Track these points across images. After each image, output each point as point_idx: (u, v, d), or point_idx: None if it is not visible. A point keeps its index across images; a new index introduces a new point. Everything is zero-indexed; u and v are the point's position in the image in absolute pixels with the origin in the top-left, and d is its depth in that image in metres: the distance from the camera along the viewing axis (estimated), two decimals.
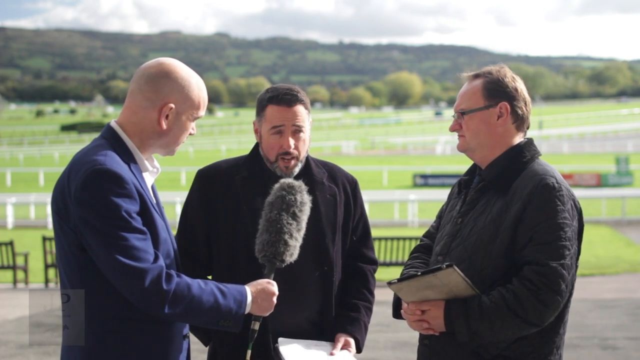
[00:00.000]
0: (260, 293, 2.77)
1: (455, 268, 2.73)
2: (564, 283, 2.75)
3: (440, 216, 3.25)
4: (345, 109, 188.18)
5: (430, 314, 2.85)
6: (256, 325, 2.83)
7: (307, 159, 3.35)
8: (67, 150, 62.09)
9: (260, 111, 3.30)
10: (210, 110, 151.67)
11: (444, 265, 2.73)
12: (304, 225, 2.90)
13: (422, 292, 2.83)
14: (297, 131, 3.24)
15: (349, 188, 3.40)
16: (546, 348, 2.87)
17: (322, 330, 3.24)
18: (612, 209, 25.25)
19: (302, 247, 2.90)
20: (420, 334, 3.02)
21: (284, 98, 3.24)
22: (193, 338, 3.10)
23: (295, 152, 3.24)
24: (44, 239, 14.18)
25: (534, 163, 2.95)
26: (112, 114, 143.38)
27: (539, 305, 2.73)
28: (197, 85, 2.79)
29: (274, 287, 2.80)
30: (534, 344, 2.84)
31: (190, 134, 2.83)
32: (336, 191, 3.34)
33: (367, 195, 24.39)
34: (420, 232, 3.57)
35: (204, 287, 2.65)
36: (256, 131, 3.34)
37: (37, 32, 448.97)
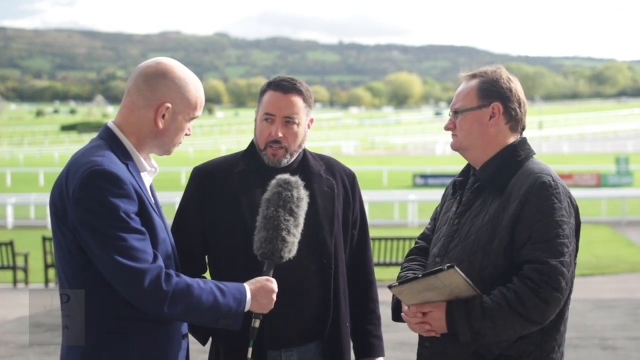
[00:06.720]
0: (259, 290, 2.77)
1: (457, 269, 2.72)
2: (564, 280, 2.76)
3: (435, 218, 3.25)
4: (345, 109, 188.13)
5: (431, 316, 2.84)
6: (257, 323, 2.83)
7: (305, 152, 3.31)
8: (67, 150, 62.04)
9: (259, 99, 3.27)
10: (210, 110, 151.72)
11: (446, 267, 2.72)
12: (301, 221, 2.88)
13: (423, 294, 2.82)
14: (288, 122, 3.18)
15: (347, 181, 3.36)
16: (548, 346, 2.87)
17: (323, 324, 3.22)
18: (612, 209, 25.23)
19: (300, 240, 2.88)
20: (420, 336, 3.01)
21: (281, 84, 3.21)
22: (192, 337, 3.10)
23: (285, 142, 3.17)
24: (44, 239, 14.19)
25: (529, 162, 2.96)
26: (112, 114, 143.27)
27: (540, 303, 2.73)
28: (194, 86, 2.79)
29: (273, 284, 2.81)
30: (536, 342, 2.85)
31: (186, 134, 2.83)
32: (334, 183, 3.29)
33: (367, 195, 24.36)
34: (420, 233, 3.55)
35: (203, 286, 2.66)
36: (255, 121, 3.30)
37: (37, 32, 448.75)
